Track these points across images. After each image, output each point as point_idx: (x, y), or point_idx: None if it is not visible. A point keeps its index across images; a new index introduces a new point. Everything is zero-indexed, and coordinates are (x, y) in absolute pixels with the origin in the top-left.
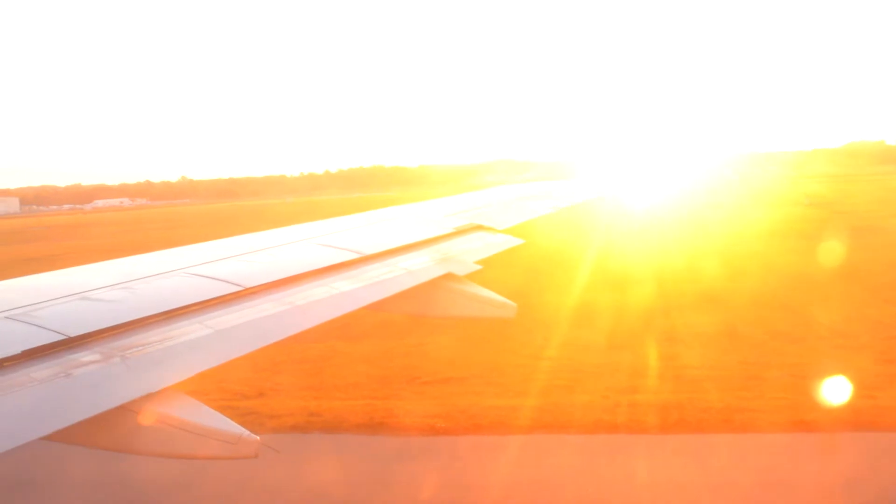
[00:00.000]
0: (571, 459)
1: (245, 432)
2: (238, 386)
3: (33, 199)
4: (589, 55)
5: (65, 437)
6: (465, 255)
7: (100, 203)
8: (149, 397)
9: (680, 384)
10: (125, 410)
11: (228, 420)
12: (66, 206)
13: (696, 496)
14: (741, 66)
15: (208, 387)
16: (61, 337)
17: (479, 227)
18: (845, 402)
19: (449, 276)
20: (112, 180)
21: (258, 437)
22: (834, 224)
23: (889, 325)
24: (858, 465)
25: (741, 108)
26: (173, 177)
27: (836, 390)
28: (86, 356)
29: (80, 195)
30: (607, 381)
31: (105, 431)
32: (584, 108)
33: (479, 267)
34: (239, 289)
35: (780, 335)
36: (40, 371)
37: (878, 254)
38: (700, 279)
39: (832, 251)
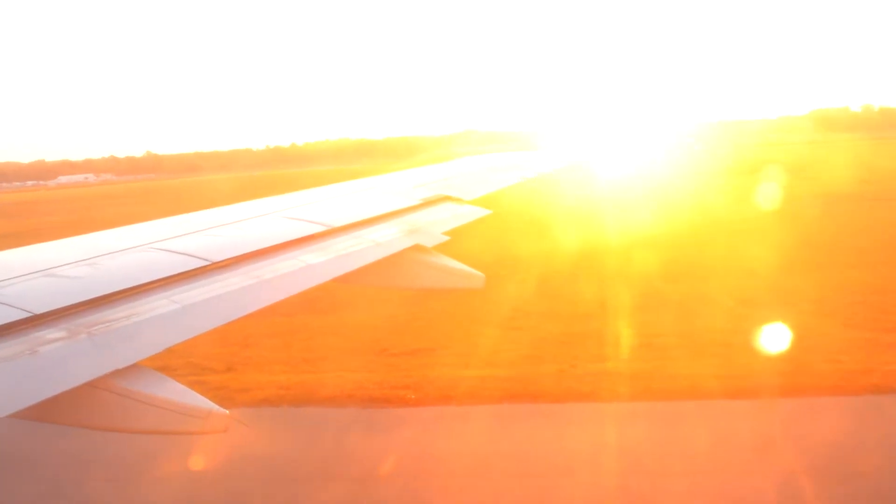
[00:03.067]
0: (541, 428)
1: (214, 407)
2: (207, 361)
3: None
4: (553, 26)
5: (32, 414)
6: (433, 226)
7: (64, 179)
8: (116, 373)
9: (648, 352)
10: (92, 387)
11: (197, 395)
12: (29, 183)
13: (665, 463)
14: (706, 34)
15: (177, 362)
16: (27, 314)
17: (447, 199)
18: (812, 367)
19: (417, 248)
20: (76, 156)
21: (228, 412)
22: (798, 191)
23: (854, 291)
24: (825, 428)
25: (705, 77)
26: (138, 152)
27: (801, 355)
28: (52, 333)
29: (44, 171)
30: (576, 349)
31: (73, 408)
32: (549, 78)
33: (446, 238)
34: (206, 263)
35: (748, 302)
36: (6, 349)
37: (843, 220)
38: (667, 247)
39: (797, 217)
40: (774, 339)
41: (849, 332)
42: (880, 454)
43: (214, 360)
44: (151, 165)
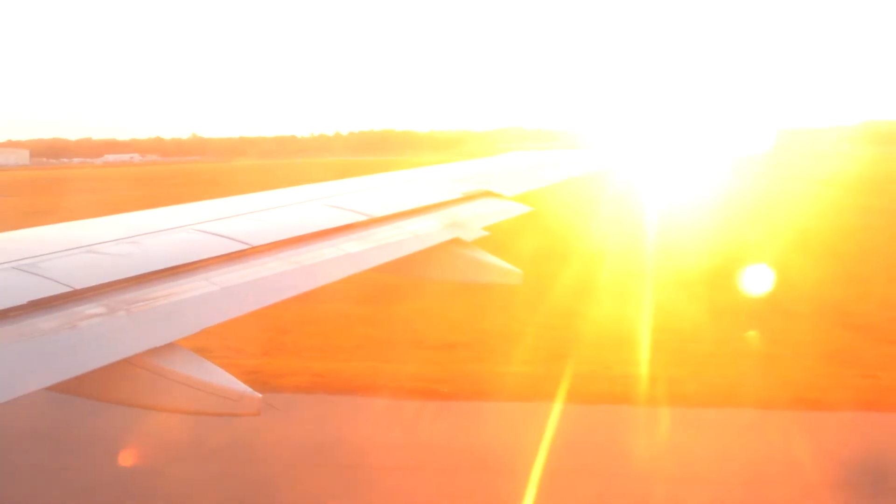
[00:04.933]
0: (571, 428)
1: (248, 390)
2: (243, 344)
3: (44, 151)
4: (607, 25)
5: (69, 388)
6: (473, 220)
7: (110, 158)
8: (153, 352)
9: (675, 358)
10: (129, 364)
11: (232, 377)
12: (76, 160)
13: (686, 468)
14: (758, 41)
15: (213, 344)
16: (67, 289)
17: (488, 194)
18: (846, 382)
19: (456, 241)
20: (123, 135)
21: (261, 395)
22: (847, 203)
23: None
24: (856, 445)
25: (758, 84)
26: (184, 134)
27: (837, 369)
28: (91, 309)
29: (91, 149)
30: (611, 353)
31: (108, 384)
32: (600, 77)
33: (486, 233)
34: (246, 247)
35: (784, 312)
36: (46, 322)
37: (889, 234)
38: (708, 254)
39: (842, 229)
40: (809, 352)
41: (887, 348)
42: None
43: (250, 344)
44: (196, 148)
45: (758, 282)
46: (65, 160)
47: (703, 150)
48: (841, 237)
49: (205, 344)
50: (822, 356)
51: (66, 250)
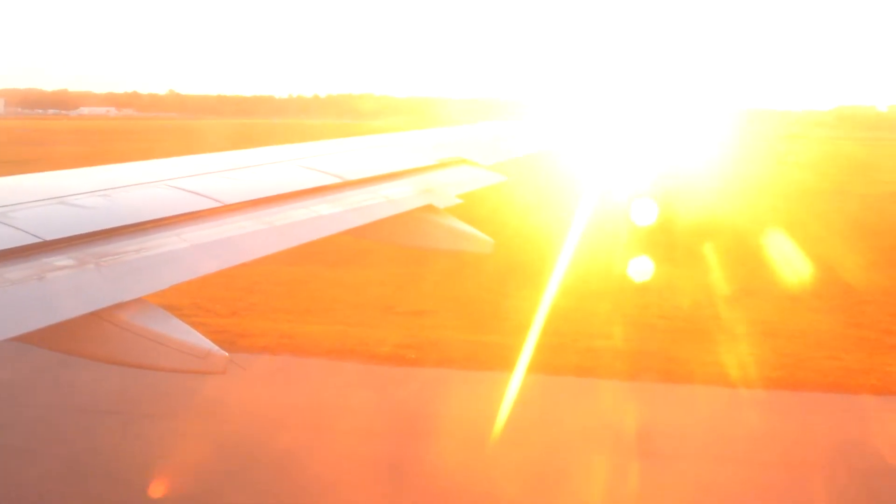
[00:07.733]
0: (536, 399)
1: (214, 348)
2: (211, 303)
3: (18, 101)
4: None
5: (34, 339)
6: (447, 188)
7: (85, 110)
8: (121, 306)
9: (650, 333)
10: (97, 317)
11: (199, 334)
12: (51, 111)
13: (638, 441)
14: (734, 22)
15: (182, 301)
16: (36, 240)
17: (464, 161)
18: (810, 363)
19: (429, 208)
20: (99, 88)
21: (227, 354)
22: (814, 185)
23: (860, 290)
24: (817, 425)
25: (732, 64)
26: (161, 89)
27: (800, 350)
28: (60, 261)
29: (66, 101)
30: (580, 325)
31: (75, 337)
32: (579, 52)
33: (459, 201)
34: (218, 205)
35: (754, 292)
36: (13, 272)
37: (854, 217)
38: (681, 230)
39: (809, 212)
40: (777, 332)
41: (851, 331)
42: None
43: (219, 304)
44: (173, 104)
45: (722, 263)
46: (39, 111)
47: (672, 130)
48: (796, 220)
49: (173, 301)
50: None
51: (37, 201)
